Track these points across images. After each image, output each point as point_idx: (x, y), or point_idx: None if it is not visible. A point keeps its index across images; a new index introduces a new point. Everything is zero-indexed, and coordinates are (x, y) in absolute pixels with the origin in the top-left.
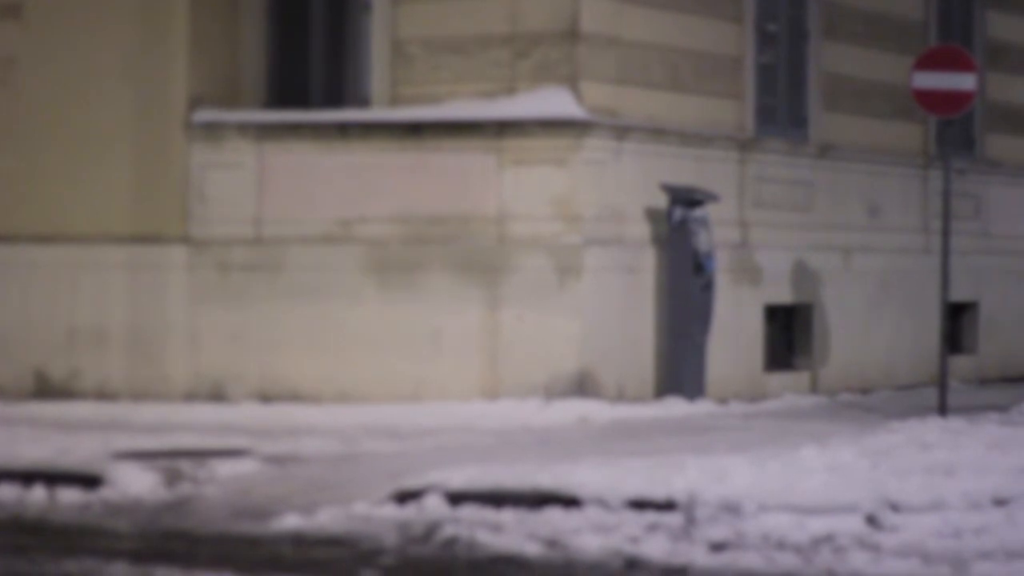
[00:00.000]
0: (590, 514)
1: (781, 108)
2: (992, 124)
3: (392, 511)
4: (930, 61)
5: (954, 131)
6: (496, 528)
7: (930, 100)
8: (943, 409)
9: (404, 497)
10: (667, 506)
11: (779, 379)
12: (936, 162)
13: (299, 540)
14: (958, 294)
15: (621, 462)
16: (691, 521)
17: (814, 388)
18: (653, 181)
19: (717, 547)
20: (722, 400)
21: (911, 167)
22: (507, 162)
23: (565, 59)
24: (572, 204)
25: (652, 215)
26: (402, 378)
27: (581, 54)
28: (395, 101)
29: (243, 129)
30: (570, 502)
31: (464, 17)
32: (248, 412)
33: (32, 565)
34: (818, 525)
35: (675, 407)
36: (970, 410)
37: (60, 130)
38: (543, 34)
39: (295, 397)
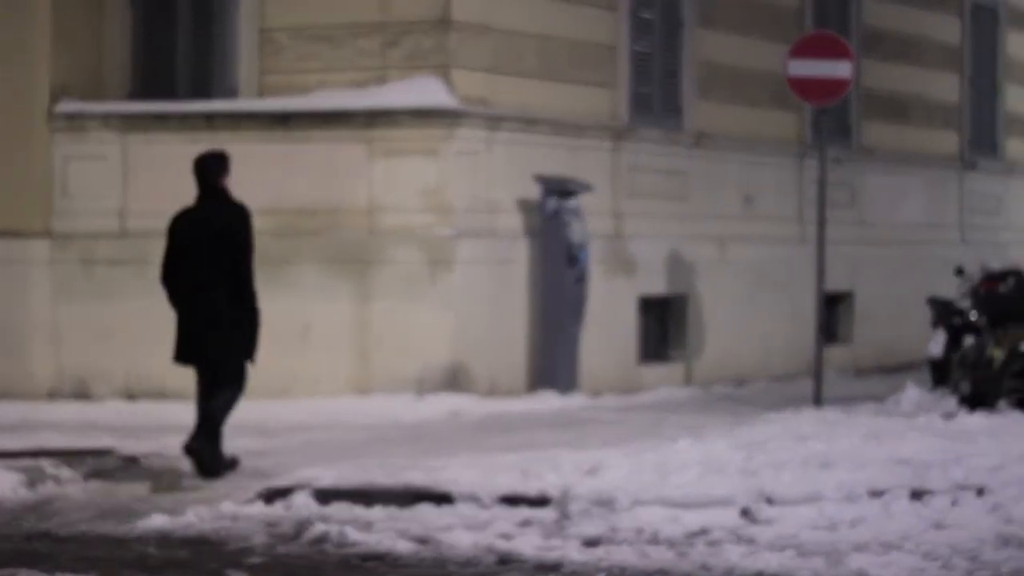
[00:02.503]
0: (462, 511)
1: (656, 97)
2: (868, 112)
3: (260, 509)
4: (805, 49)
5: (829, 119)
6: (367, 526)
7: (805, 88)
8: (818, 400)
9: (273, 495)
10: (540, 502)
11: (654, 371)
12: (812, 151)
13: (165, 540)
14: (834, 284)
15: (493, 457)
16: (564, 516)
17: (689, 380)
18: (526, 171)
19: (590, 542)
20: (596, 393)
21: (786, 156)
22: (378, 153)
23: (437, 48)
24: (444, 195)
25: (525, 206)
26: (271, 374)
27: (453, 43)
28: (264, 91)
29: (107, 120)
30: (442, 499)
31: (334, 5)
32: (113, 410)
33: None
34: (692, 519)
35: (548, 401)
36: (846, 401)
37: None
38: (414, 23)
39: (161, 395)
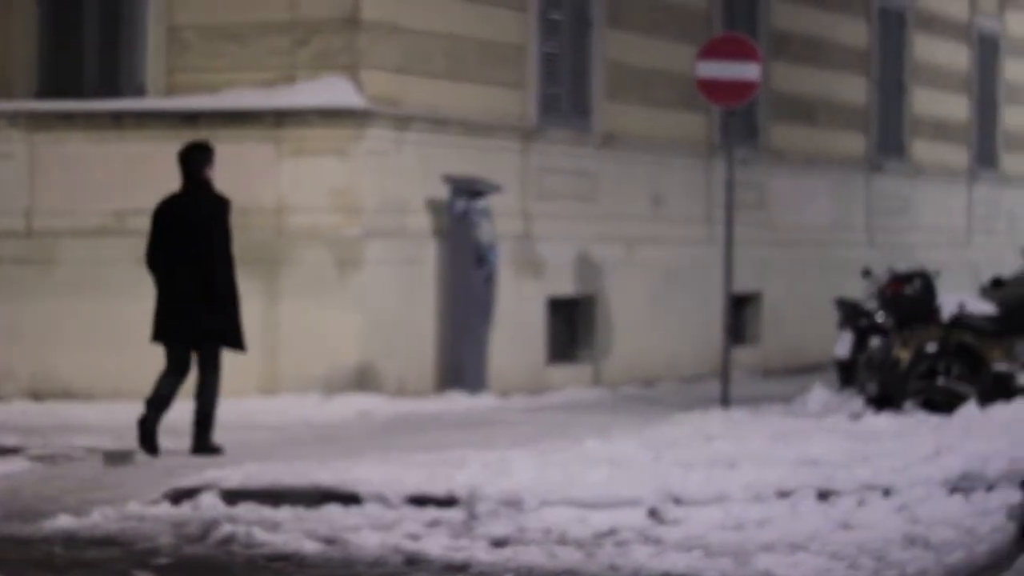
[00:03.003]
0: (370, 511)
1: (565, 98)
2: (776, 114)
3: (167, 510)
4: (714, 50)
5: (738, 121)
6: (274, 526)
7: (714, 89)
8: (726, 401)
9: (180, 496)
10: (448, 502)
11: (562, 372)
12: (720, 152)
13: (71, 541)
14: (742, 285)
15: (402, 458)
16: (472, 517)
17: (597, 381)
18: (435, 172)
19: (498, 543)
20: (504, 394)
21: (695, 157)
22: (286, 152)
23: (346, 48)
24: (352, 195)
25: (434, 206)
26: None
27: (362, 43)
28: (171, 90)
29: (13, 119)
30: (350, 499)
31: (243, 4)
32: (19, 410)
33: None
34: (600, 519)
35: (457, 401)
36: (753, 401)
37: None
38: (323, 22)
39: (68, 394)
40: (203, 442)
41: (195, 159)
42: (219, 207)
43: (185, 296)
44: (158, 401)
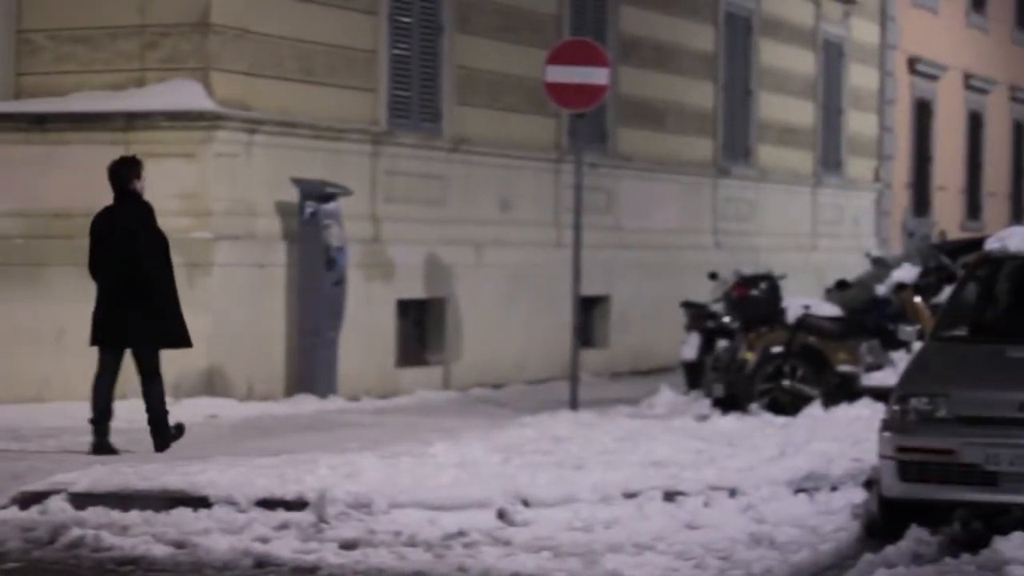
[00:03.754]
0: (219, 514)
1: (415, 101)
2: (624, 118)
3: (15, 514)
4: (562, 55)
5: (586, 125)
6: (123, 530)
7: (562, 94)
8: (574, 403)
9: (27, 500)
10: (297, 505)
11: (412, 375)
12: (568, 156)
13: None
14: (590, 288)
15: (251, 461)
16: (322, 519)
17: (447, 383)
18: (285, 175)
19: (348, 545)
20: (354, 397)
21: (544, 161)
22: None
23: (195, 51)
24: (202, 198)
25: (284, 209)
26: (24, 378)
27: (212, 46)
28: (20, 92)
29: None
30: (199, 502)
31: (92, 7)
32: None
33: None
34: (450, 521)
35: (306, 404)
36: (601, 404)
37: None
38: (173, 25)
39: None
40: (164, 440)
41: (123, 173)
42: (146, 215)
43: (120, 301)
44: (99, 407)
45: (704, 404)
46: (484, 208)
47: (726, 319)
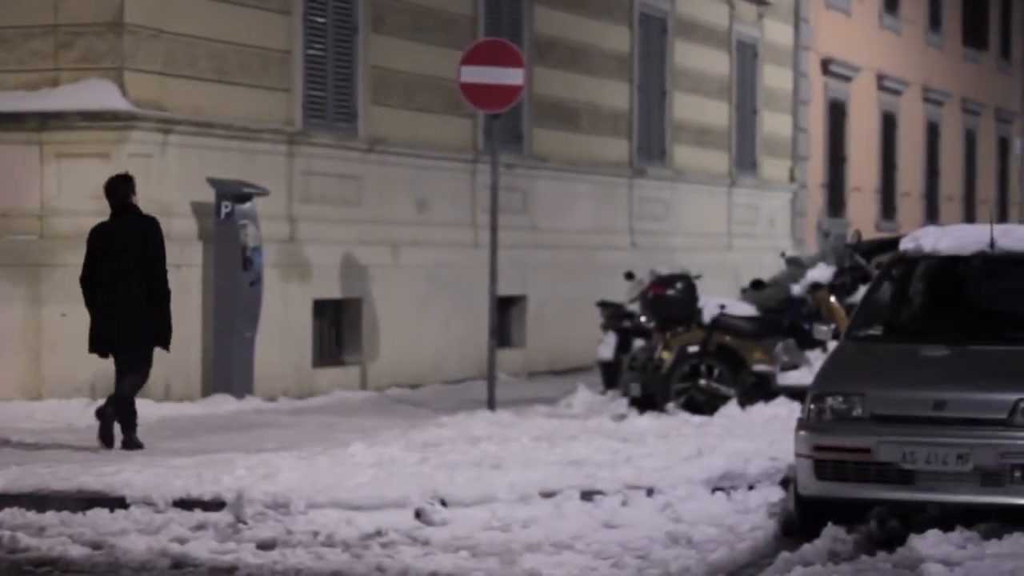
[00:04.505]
0: (136, 515)
1: (330, 102)
2: (540, 119)
3: None
4: (477, 56)
5: (501, 126)
6: (39, 531)
7: (477, 94)
8: (492, 403)
9: None
10: (215, 505)
11: (329, 375)
12: (484, 156)
13: None
14: (506, 288)
15: (168, 461)
16: (239, 520)
17: (364, 383)
18: (200, 175)
19: (265, 545)
20: (271, 397)
21: (459, 161)
22: (49, 155)
23: (110, 51)
24: None
25: (199, 209)
26: None
27: (126, 46)
28: None
29: None
30: (116, 503)
31: (5, 6)
32: None
33: None
34: (367, 521)
35: (223, 405)
36: (519, 403)
37: None
38: (87, 25)
39: None
40: (130, 438)
41: (122, 190)
42: (150, 226)
43: (121, 309)
44: (117, 400)
45: (621, 404)
46: (400, 208)
47: (642, 319)
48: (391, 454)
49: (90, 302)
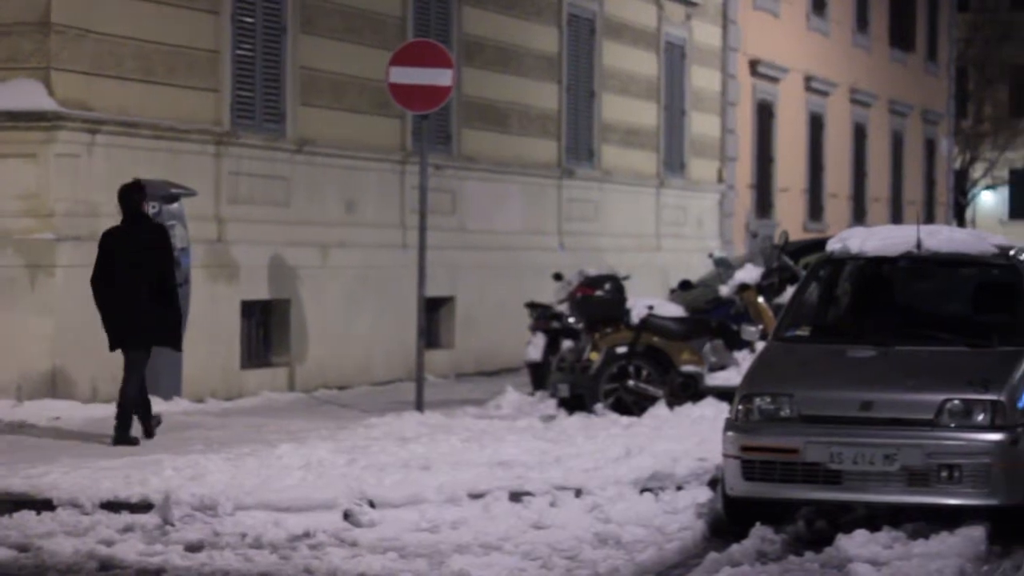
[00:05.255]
0: (64, 517)
1: (258, 102)
2: (468, 120)
3: None
4: (406, 56)
5: (430, 126)
6: None
7: (406, 95)
8: (420, 404)
9: None
10: (142, 507)
11: (257, 376)
12: (413, 157)
13: None
14: (435, 289)
15: (95, 463)
16: (167, 522)
17: (292, 385)
18: (127, 175)
19: (193, 547)
20: (199, 399)
21: (388, 162)
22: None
23: (36, 50)
24: (43, 199)
25: None
26: None
27: (53, 46)
28: None
29: None
30: (42, 505)
31: None
32: None
33: None
34: (295, 523)
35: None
36: (447, 405)
37: None
38: (13, 25)
39: None
40: (123, 435)
41: (135, 197)
42: (162, 235)
43: (134, 309)
44: (132, 402)
45: (550, 404)
46: (329, 209)
47: (571, 320)
48: (319, 456)
49: (102, 303)
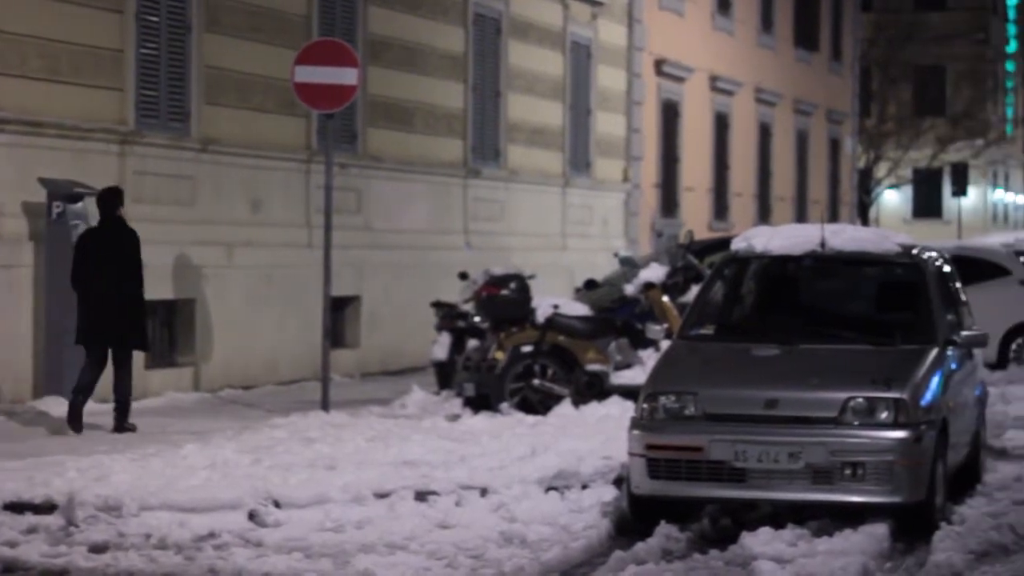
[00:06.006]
0: None
1: (163, 101)
2: (374, 119)
3: None
4: (311, 55)
5: (335, 125)
6: None
7: (312, 94)
8: (326, 404)
9: None
10: (46, 508)
11: (161, 376)
12: (318, 156)
13: None
14: (341, 288)
15: None
16: (71, 523)
17: (197, 385)
18: (31, 175)
19: (97, 548)
20: (103, 399)
21: (294, 161)
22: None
23: None
24: None
25: (31, 210)
26: None
27: None
28: None
29: None
30: None
31: None
32: None
33: None
34: (200, 523)
35: (55, 407)
36: (353, 404)
37: None
38: None
39: None
40: (122, 424)
41: (112, 202)
42: (134, 239)
43: (106, 307)
44: (81, 388)
45: (455, 404)
46: (234, 209)
47: (476, 319)
48: (224, 456)
49: (83, 299)
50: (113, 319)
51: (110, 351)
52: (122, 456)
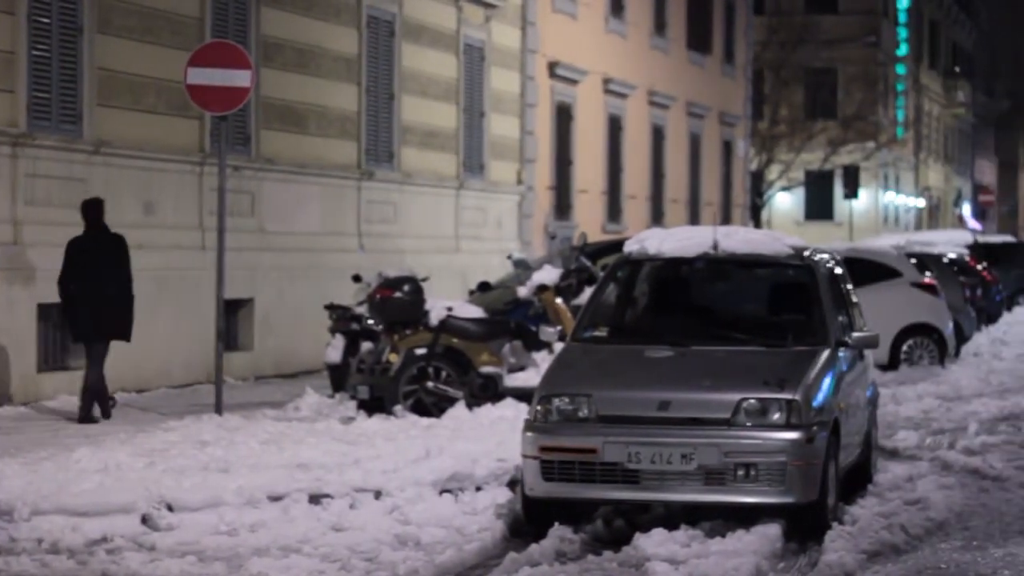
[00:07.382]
0: None
1: (55, 103)
2: (267, 121)
3: None
4: (204, 57)
5: (228, 127)
6: None
7: (204, 96)
8: (219, 407)
9: None
10: None
11: (54, 380)
12: (211, 158)
13: None
14: (234, 291)
15: None
16: None
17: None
18: None
19: None
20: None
21: (187, 163)
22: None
23: None
24: None
25: None
26: None
27: None
28: None
29: None
30: None
31: None
32: None
33: None
34: (93, 527)
35: None
36: (246, 407)
37: None
38: None
39: None
40: (89, 414)
41: (97, 211)
42: (122, 244)
43: (97, 308)
44: (94, 388)
45: (349, 406)
46: (127, 211)
47: (370, 321)
48: (117, 459)
49: (70, 302)
50: (99, 316)
51: (91, 344)
52: (14, 460)
